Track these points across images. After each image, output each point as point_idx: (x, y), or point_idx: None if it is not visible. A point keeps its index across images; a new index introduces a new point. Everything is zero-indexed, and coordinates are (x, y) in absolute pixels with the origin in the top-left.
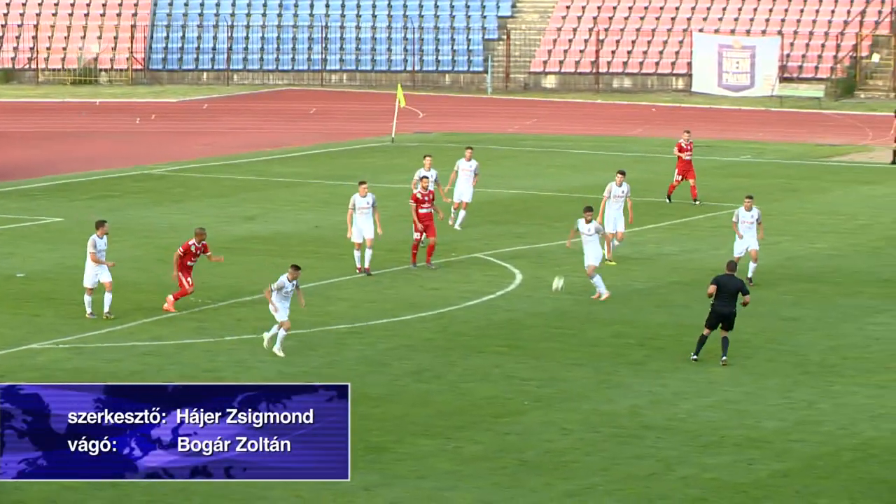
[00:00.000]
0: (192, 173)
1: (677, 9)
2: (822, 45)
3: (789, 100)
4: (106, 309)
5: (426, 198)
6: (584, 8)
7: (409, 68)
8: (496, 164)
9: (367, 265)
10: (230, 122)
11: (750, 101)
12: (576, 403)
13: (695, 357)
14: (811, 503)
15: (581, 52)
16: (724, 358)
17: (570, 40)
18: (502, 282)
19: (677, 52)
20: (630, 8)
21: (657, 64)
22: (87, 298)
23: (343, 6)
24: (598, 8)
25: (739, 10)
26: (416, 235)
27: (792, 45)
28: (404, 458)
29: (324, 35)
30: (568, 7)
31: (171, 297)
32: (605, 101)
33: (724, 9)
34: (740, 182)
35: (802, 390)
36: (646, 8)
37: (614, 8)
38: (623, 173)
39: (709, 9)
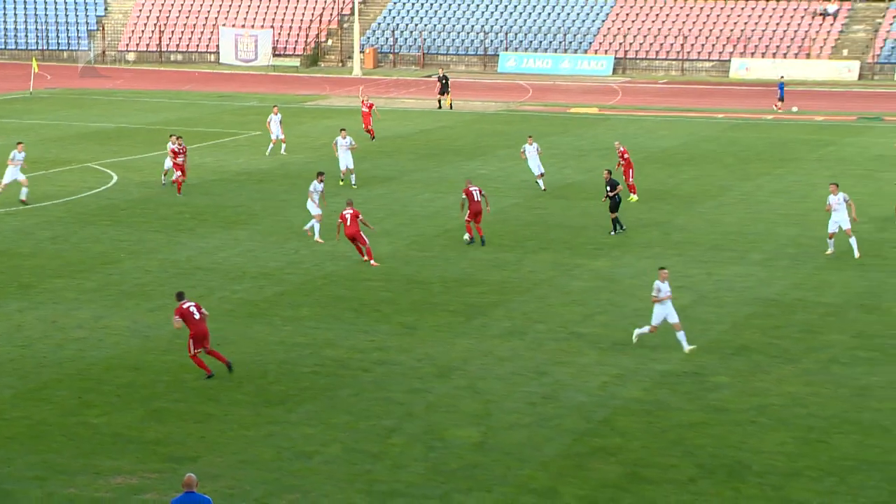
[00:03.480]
0: None
1: (209, 9)
2: (298, 34)
3: (279, 67)
4: None
5: (182, 150)
6: (160, 7)
7: (41, 47)
8: (96, 109)
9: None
10: None
11: (256, 68)
12: (154, 255)
13: (613, 232)
14: (297, 311)
15: (150, 37)
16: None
17: (143, 30)
18: (105, 180)
19: (210, 37)
20: (181, 7)
21: (198, 45)
22: None
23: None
24: (170, 7)
25: (247, 10)
26: (176, 174)
27: (279, 33)
28: (44, 292)
29: None
30: (140, 9)
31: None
32: (166, 68)
33: (238, 9)
34: (248, 118)
35: (291, 243)
36: (190, 7)
37: (175, 6)
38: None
39: (229, 9)
